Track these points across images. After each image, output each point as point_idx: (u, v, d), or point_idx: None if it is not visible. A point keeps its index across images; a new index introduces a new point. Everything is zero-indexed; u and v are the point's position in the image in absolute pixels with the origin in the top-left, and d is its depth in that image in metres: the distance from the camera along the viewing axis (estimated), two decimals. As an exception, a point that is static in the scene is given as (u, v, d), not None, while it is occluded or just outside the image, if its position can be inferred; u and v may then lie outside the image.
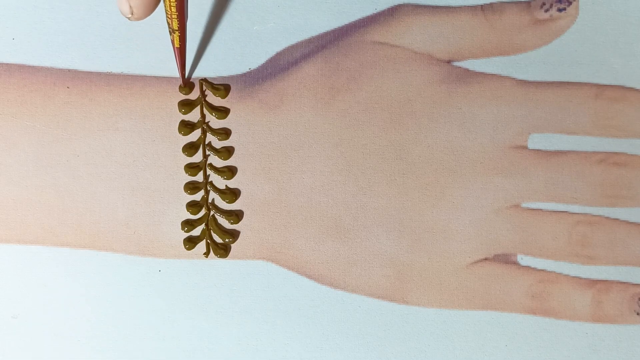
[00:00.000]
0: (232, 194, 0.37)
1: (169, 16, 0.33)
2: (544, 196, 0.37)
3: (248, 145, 0.37)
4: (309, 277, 0.36)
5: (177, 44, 0.35)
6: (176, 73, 0.37)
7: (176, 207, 0.36)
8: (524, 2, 0.38)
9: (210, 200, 0.37)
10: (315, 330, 0.36)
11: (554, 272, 0.36)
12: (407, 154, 0.37)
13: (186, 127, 0.37)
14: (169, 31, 0.34)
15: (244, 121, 0.37)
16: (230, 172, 0.37)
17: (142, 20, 0.32)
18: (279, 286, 0.36)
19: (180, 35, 0.34)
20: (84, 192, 0.36)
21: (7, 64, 0.37)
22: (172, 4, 0.32)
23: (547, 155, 0.37)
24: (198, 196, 0.37)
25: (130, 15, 0.32)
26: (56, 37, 0.37)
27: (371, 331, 0.36)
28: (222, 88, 0.37)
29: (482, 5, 0.38)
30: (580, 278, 0.36)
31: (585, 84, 0.38)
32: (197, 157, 0.37)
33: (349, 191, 0.37)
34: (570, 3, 0.38)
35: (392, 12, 0.38)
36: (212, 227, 0.36)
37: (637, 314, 0.36)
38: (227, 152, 0.37)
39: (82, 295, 0.35)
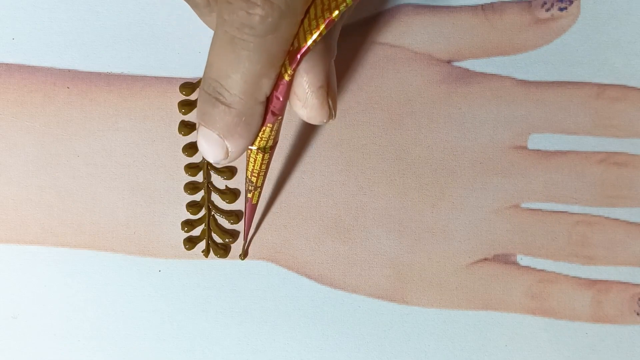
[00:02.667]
0: (232, 194, 0.37)
1: (255, 175, 0.32)
2: (543, 196, 0.37)
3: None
4: (309, 277, 0.36)
5: (254, 201, 0.33)
6: (176, 73, 0.37)
7: (176, 207, 0.36)
8: (525, 1, 0.38)
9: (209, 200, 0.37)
10: (315, 330, 0.36)
11: (554, 272, 0.36)
12: (407, 154, 0.37)
13: (186, 127, 0.37)
14: (248, 188, 0.33)
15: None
16: (230, 172, 0.37)
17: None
18: (279, 286, 0.36)
19: (260, 191, 0.33)
20: (84, 192, 0.36)
21: (7, 64, 0.37)
22: (264, 162, 0.31)
23: (547, 155, 0.37)
24: (198, 196, 0.37)
25: (225, 159, 0.29)
26: (56, 37, 0.37)
27: (371, 331, 0.36)
28: (222, 88, 0.37)
29: (482, 5, 0.38)
30: (580, 278, 0.36)
31: (586, 84, 0.38)
32: (197, 157, 0.37)
33: (349, 191, 0.37)
34: (571, 2, 0.38)
35: (392, 12, 0.38)
36: (212, 227, 0.36)
37: (637, 314, 0.36)
38: (227, 152, 0.37)
39: (82, 295, 0.36)
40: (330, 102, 0.30)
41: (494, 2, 0.38)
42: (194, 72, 0.37)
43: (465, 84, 0.37)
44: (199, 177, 0.37)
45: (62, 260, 0.36)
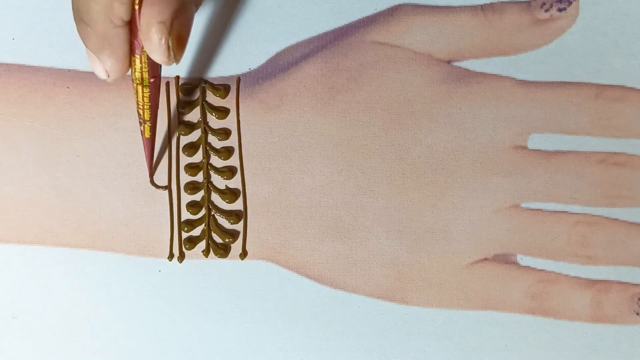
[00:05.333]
0: (232, 194, 0.37)
1: (140, 107, 0.33)
2: (543, 196, 0.37)
3: (248, 145, 0.37)
4: (309, 277, 0.36)
5: (147, 134, 0.34)
6: (176, 73, 0.37)
7: (176, 207, 0.36)
8: (524, 2, 0.38)
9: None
10: (315, 330, 0.36)
11: (554, 272, 0.36)
12: (407, 154, 0.37)
13: (186, 127, 0.37)
14: (139, 121, 0.34)
15: (244, 121, 0.37)
16: (230, 172, 0.37)
17: None
18: (279, 286, 0.36)
19: (152, 125, 0.34)
20: (84, 192, 0.36)
21: (7, 64, 0.37)
22: (144, 95, 0.32)
23: (547, 155, 0.37)
24: (198, 196, 0.37)
25: (106, 78, 0.31)
26: (56, 37, 0.37)
27: (371, 331, 0.36)
28: (222, 88, 0.37)
29: (482, 5, 0.38)
30: (580, 278, 0.36)
31: (586, 84, 0.38)
32: (197, 157, 0.37)
33: (349, 191, 0.37)
34: (570, 3, 0.38)
35: (392, 12, 0.38)
36: (212, 227, 0.36)
37: (637, 314, 0.36)
38: (227, 152, 0.37)
39: (82, 295, 0.35)
40: (170, 42, 0.29)
41: (494, 3, 0.38)
42: (194, 72, 0.37)
43: (465, 84, 0.37)
44: (199, 177, 0.37)
45: (62, 260, 0.36)
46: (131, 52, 0.30)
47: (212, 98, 0.37)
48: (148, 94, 0.32)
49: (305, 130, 0.37)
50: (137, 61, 0.31)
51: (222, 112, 0.37)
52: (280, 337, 0.36)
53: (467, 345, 0.36)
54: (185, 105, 0.37)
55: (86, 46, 0.30)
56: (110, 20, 0.29)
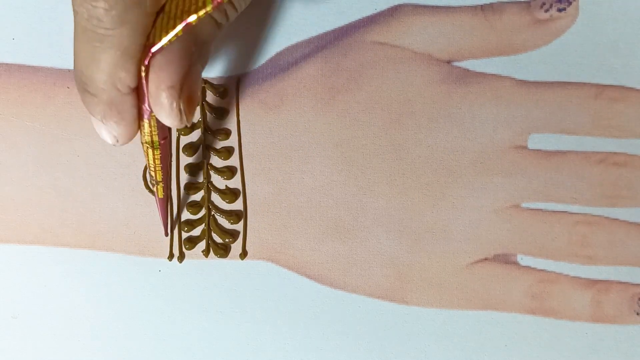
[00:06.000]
0: (232, 194, 0.37)
1: (152, 169, 0.32)
2: (544, 196, 0.37)
3: (248, 145, 0.37)
4: (309, 277, 0.36)
5: (160, 195, 0.34)
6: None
7: (176, 207, 0.36)
8: (524, 2, 0.38)
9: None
10: (315, 330, 0.36)
11: (554, 272, 0.36)
12: (407, 154, 0.37)
13: (186, 127, 0.37)
14: (151, 183, 0.33)
15: (244, 121, 0.37)
16: (230, 172, 0.37)
17: None
18: (279, 286, 0.36)
19: (165, 185, 0.34)
20: (84, 192, 0.36)
21: (7, 64, 0.37)
22: (156, 157, 0.31)
23: (547, 155, 0.37)
24: (198, 196, 0.37)
25: (115, 143, 0.30)
26: (56, 37, 0.37)
27: (371, 331, 0.36)
28: (222, 88, 0.37)
29: (482, 5, 0.38)
30: (580, 278, 0.36)
31: (585, 84, 0.38)
32: (197, 157, 0.37)
33: (349, 191, 0.37)
34: (570, 3, 0.38)
35: (392, 12, 0.38)
36: (212, 227, 0.36)
37: (637, 314, 0.36)
38: (227, 152, 0.37)
39: (82, 295, 0.35)
40: (181, 106, 0.29)
41: (493, 3, 0.38)
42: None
43: (465, 84, 0.37)
44: (199, 177, 0.37)
45: (62, 260, 0.36)
46: (139, 116, 0.29)
47: (212, 98, 0.37)
48: (159, 155, 0.31)
49: (305, 130, 0.37)
50: (146, 125, 0.30)
51: (222, 112, 0.37)
52: (280, 337, 0.36)
53: (467, 345, 0.36)
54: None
55: (93, 115, 0.29)
56: (117, 88, 0.28)
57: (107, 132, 0.29)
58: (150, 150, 0.31)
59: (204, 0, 0.27)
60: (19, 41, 0.37)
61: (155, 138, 0.30)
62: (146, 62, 0.27)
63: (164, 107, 0.28)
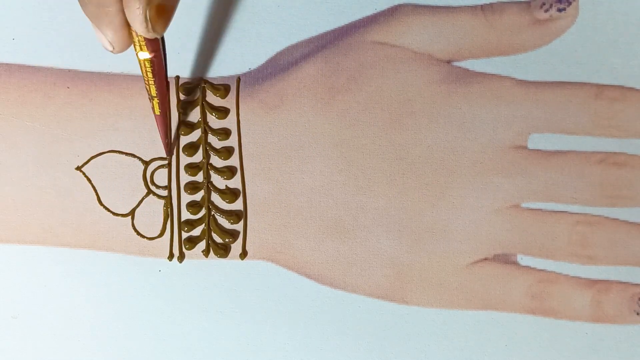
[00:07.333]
0: (232, 194, 0.37)
1: (146, 82, 0.32)
2: (544, 196, 0.37)
3: (248, 145, 0.37)
4: (309, 277, 0.36)
5: (156, 111, 0.34)
6: (176, 73, 0.37)
7: (176, 207, 0.36)
8: (524, 2, 0.38)
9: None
10: (315, 330, 0.36)
11: (554, 272, 0.36)
12: (407, 154, 0.37)
13: (186, 127, 0.37)
14: (148, 98, 0.33)
15: (244, 121, 0.37)
16: (230, 172, 0.37)
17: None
18: (279, 286, 0.36)
19: (160, 101, 0.33)
20: (84, 192, 0.36)
21: (7, 64, 0.37)
22: (147, 69, 0.31)
23: (547, 155, 0.37)
24: (198, 196, 0.37)
25: (112, 49, 0.30)
26: (56, 37, 0.37)
27: (371, 331, 0.36)
28: (222, 88, 0.37)
29: (482, 6, 0.38)
30: (580, 278, 0.36)
31: (585, 84, 0.38)
32: (197, 157, 0.37)
33: (349, 191, 0.37)
34: (570, 3, 0.38)
35: (392, 12, 0.38)
36: (212, 227, 0.36)
37: (637, 314, 0.36)
38: (227, 152, 0.37)
39: (82, 295, 0.35)
40: (148, 12, 0.28)
41: (493, 3, 0.38)
42: (194, 72, 0.37)
43: (465, 84, 0.37)
44: (199, 177, 0.37)
45: (62, 260, 0.36)
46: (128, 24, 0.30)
47: (212, 98, 0.37)
48: (150, 69, 0.31)
49: (305, 130, 0.37)
50: (134, 34, 0.30)
51: (222, 112, 0.37)
52: (280, 337, 0.36)
53: (467, 345, 0.36)
54: (185, 105, 0.37)
55: (86, 15, 0.30)
56: None
57: (104, 37, 0.30)
58: (142, 63, 0.31)
59: None
60: (19, 41, 0.37)
61: (145, 49, 0.30)
62: None
63: (130, 11, 0.28)
